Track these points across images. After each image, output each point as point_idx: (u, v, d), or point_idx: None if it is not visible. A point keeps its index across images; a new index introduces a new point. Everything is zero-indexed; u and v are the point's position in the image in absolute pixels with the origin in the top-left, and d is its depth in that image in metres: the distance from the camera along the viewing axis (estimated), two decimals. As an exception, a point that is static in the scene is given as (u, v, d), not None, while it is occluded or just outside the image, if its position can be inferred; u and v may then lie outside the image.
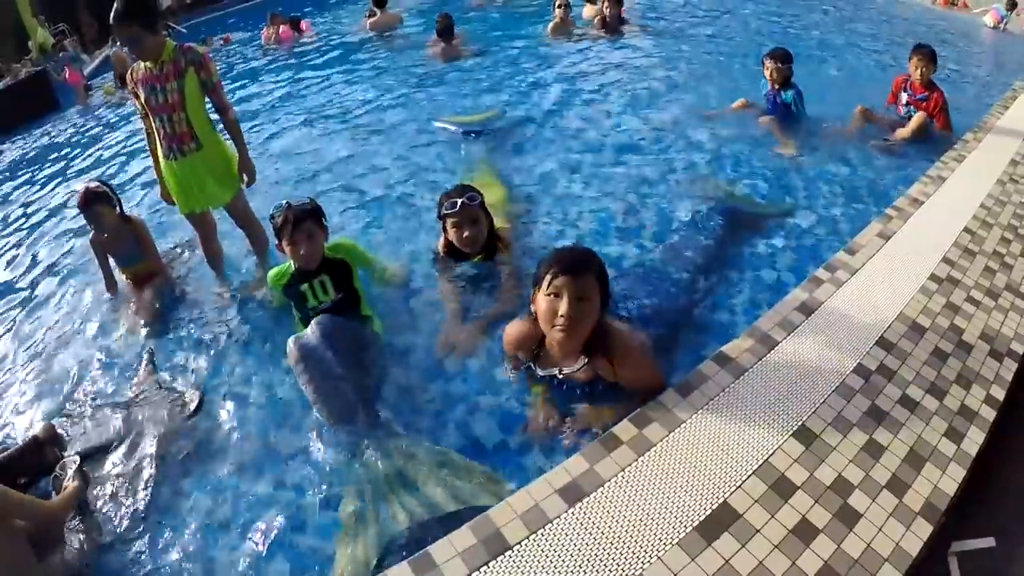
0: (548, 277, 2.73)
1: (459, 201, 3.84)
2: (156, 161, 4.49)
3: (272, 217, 3.73)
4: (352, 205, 5.59)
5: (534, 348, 3.10)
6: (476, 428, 3.27)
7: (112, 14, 3.90)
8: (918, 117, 5.79)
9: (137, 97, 4.25)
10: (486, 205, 4.00)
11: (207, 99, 4.29)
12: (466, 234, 3.92)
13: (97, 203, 4.58)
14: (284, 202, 3.73)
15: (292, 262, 3.82)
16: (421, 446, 3.10)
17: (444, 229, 4.05)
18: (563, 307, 2.69)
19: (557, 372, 3.10)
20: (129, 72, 4.27)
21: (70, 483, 3.06)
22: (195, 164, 4.32)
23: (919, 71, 5.89)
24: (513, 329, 3.20)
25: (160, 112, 4.17)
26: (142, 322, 4.52)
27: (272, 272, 3.97)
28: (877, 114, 6.15)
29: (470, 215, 3.90)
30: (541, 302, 2.79)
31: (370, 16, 12.22)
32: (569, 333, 2.76)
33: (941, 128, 5.90)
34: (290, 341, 3.47)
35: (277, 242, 3.78)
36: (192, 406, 3.53)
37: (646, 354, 3.06)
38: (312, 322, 3.53)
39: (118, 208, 4.73)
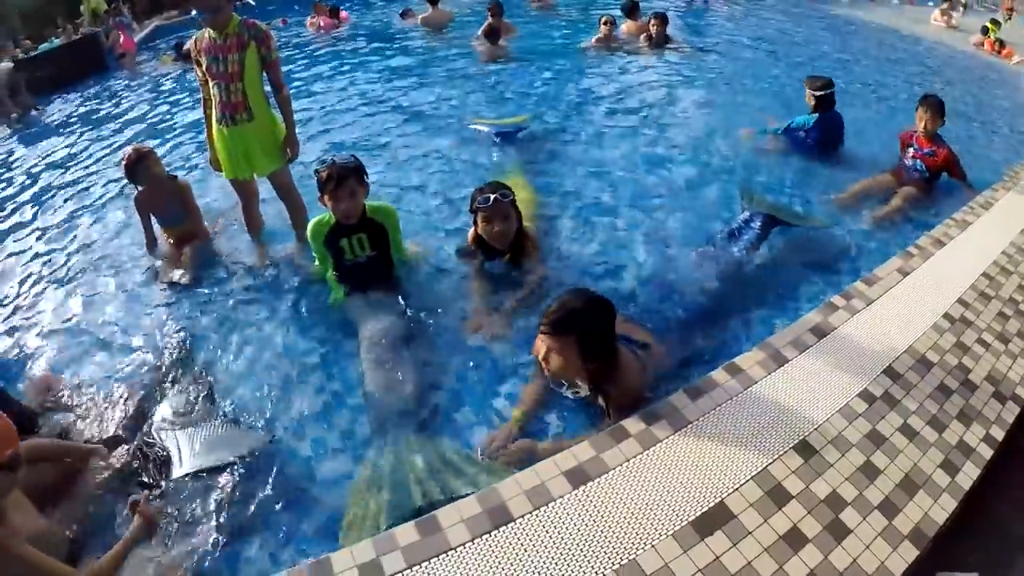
0: (541, 322, 3.00)
1: (492, 196, 3.95)
2: (209, 127, 4.67)
3: (316, 171, 3.87)
4: (382, 195, 5.69)
5: None
6: (492, 410, 3.45)
7: None
8: (902, 194, 5.49)
9: (199, 64, 4.43)
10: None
11: (264, 74, 4.47)
12: (496, 229, 4.04)
13: (145, 159, 4.78)
14: (329, 157, 3.87)
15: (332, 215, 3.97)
16: (444, 439, 3.26)
17: (475, 223, 4.17)
18: (540, 353, 3.10)
19: (564, 390, 3.33)
20: (193, 40, 4.46)
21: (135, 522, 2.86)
22: (245, 133, 4.51)
23: (923, 123, 5.63)
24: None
25: (219, 80, 4.35)
26: (181, 280, 4.70)
27: (312, 222, 4.11)
28: (878, 177, 5.83)
29: (502, 211, 4.01)
30: (537, 337, 3.10)
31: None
32: (548, 372, 3.15)
33: (958, 179, 5.68)
34: (367, 324, 3.76)
35: (319, 195, 3.92)
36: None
37: (642, 396, 3.19)
38: (385, 315, 3.86)
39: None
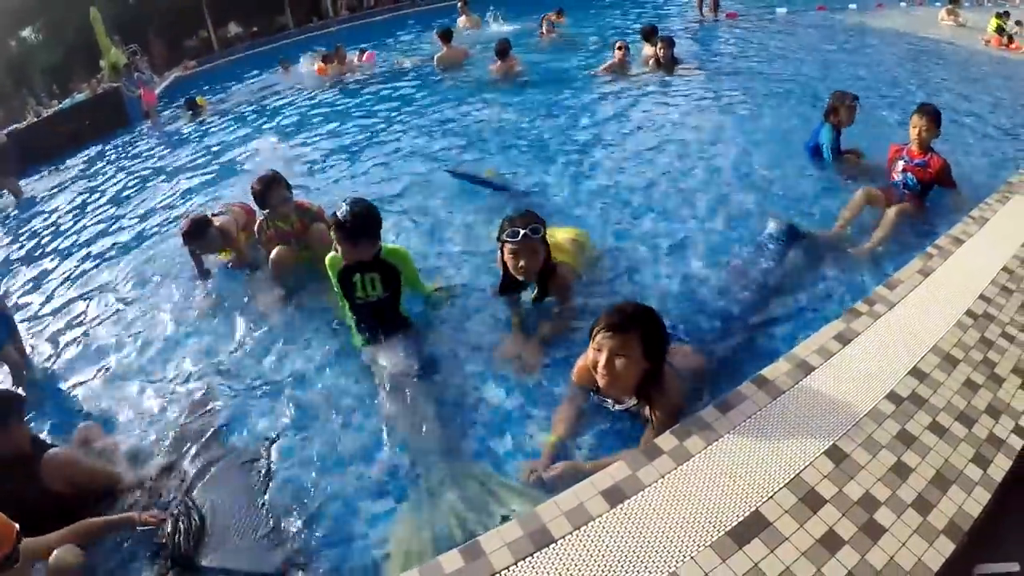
0: (594, 332, 3.07)
1: (521, 232, 3.87)
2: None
3: (333, 215, 3.95)
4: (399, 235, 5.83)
5: (595, 380, 3.29)
6: (524, 437, 3.53)
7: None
8: (892, 213, 5.11)
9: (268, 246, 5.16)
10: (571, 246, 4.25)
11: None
12: (521, 264, 3.96)
13: (202, 232, 5.27)
14: (344, 205, 3.89)
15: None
16: (480, 467, 3.36)
17: (501, 251, 4.12)
18: (601, 360, 3.03)
19: (611, 405, 3.41)
20: (258, 228, 5.23)
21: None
22: None
23: (918, 131, 5.36)
24: (582, 361, 3.45)
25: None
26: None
27: (329, 256, 4.20)
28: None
29: (530, 246, 3.93)
30: (589, 352, 3.13)
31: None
32: (608, 382, 3.10)
33: (948, 187, 5.42)
34: (385, 367, 3.86)
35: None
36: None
37: (682, 400, 3.26)
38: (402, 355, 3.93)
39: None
